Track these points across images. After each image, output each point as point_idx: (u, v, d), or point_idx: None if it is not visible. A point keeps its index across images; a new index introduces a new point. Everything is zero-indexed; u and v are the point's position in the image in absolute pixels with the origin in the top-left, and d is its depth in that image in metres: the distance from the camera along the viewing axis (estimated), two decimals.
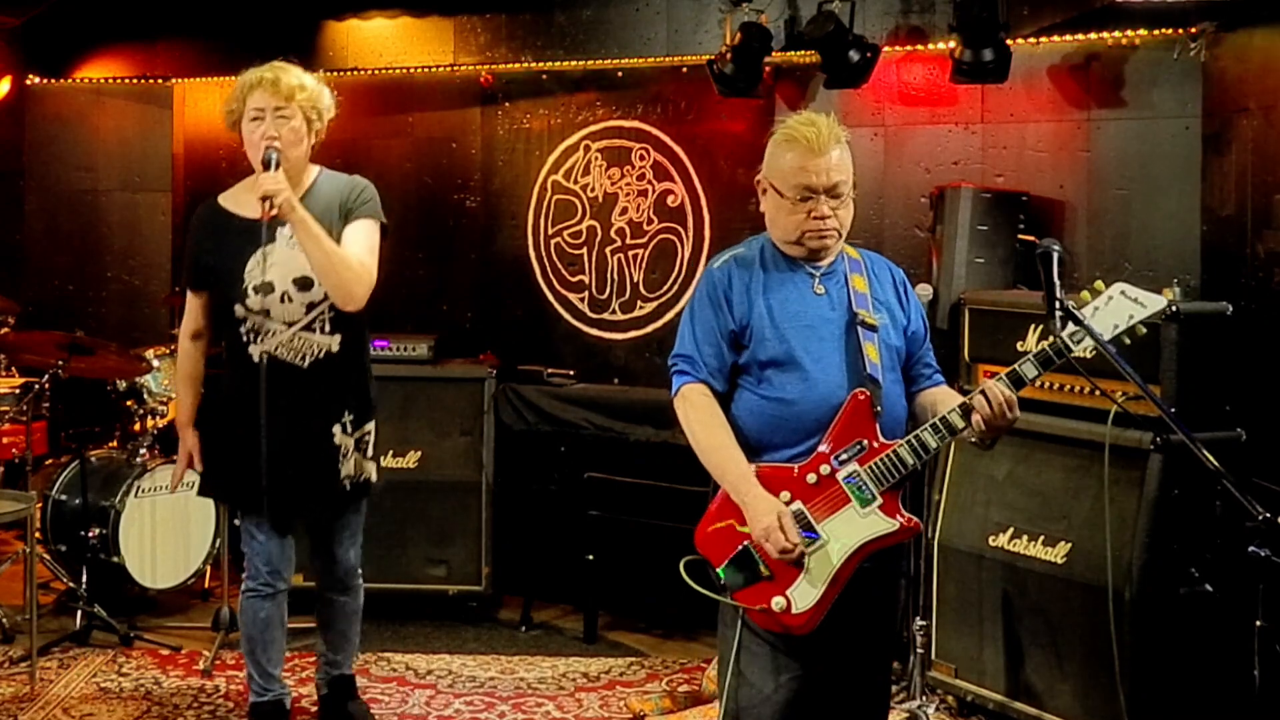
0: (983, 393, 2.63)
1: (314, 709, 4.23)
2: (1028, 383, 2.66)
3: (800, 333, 2.73)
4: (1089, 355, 2.70)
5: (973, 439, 2.70)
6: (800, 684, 2.72)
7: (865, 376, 2.70)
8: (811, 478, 2.67)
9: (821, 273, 2.81)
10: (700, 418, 2.76)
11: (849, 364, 2.72)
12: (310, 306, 3.61)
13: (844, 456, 2.66)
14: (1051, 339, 2.65)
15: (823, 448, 2.68)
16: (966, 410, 2.65)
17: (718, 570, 2.73)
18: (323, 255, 3.50)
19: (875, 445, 2.66)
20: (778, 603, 2.66)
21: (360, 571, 3.98)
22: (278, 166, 3.50)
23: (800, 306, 2.76)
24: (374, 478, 3.83)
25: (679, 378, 2.81)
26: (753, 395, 2.75)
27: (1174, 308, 3.71)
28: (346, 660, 4.05)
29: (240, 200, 3.70)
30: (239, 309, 3.61)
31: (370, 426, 3.80)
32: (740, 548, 2.70)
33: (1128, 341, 2.64)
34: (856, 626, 2.75)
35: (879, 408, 2.68)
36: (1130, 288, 2.64)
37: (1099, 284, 2.67)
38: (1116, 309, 2.63)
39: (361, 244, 3.61)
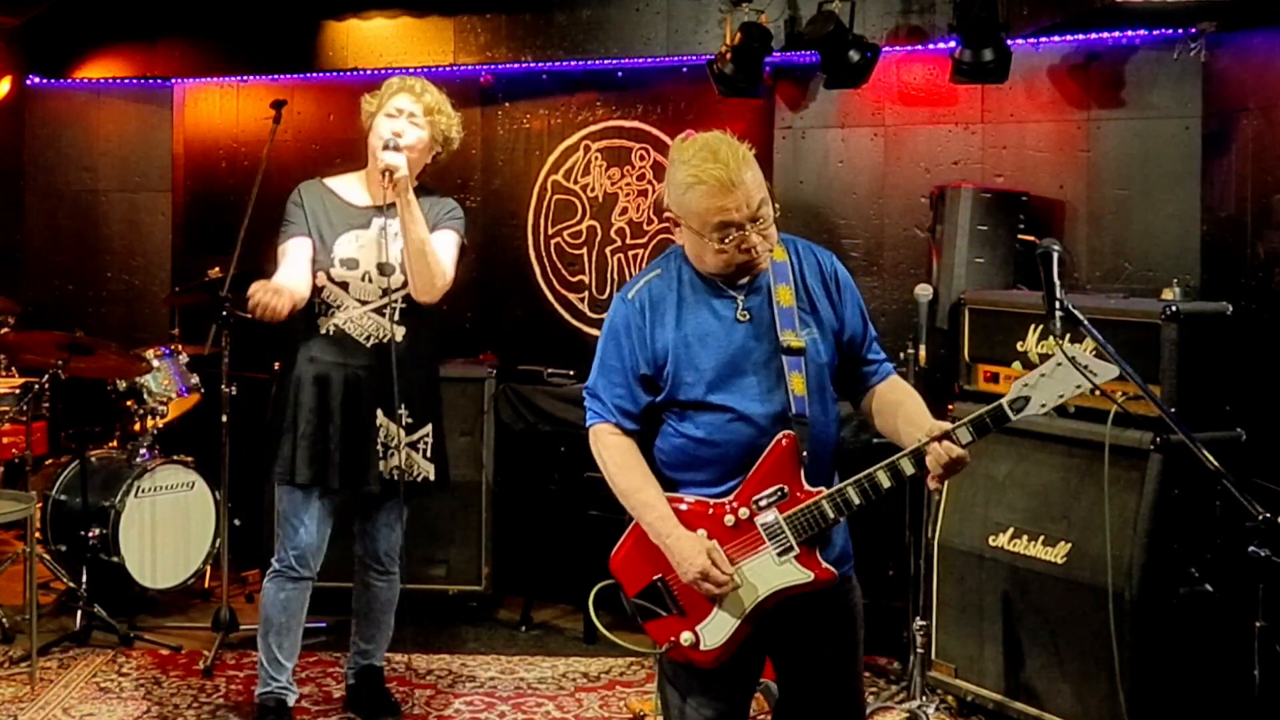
0: (924, 454, 2.50)
1: (314, 709, 4.24)
2: (962, 446, 2.51)
3: (722, 370, 2.59)
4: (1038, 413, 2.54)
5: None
6: (716, 712, 2.67)
7: (792, 417, 2.58)
8: (729, 520, 2.59)
9: (745, 293, 2.65)
10: (614, 459, 2.67)
11: (774, 400, 2.58)
12: (385, 292, 3.80)
13: (764, 502, 2.57)
14: (991, 407, 2.52)
15: (742, 491, 2.59)
16: (895, 471, 2.53)
17: (629, 600, 2.69)
18: (419, 240, 3.71)
19: (798, 493, 2.57)
20: (686, 638, 2.62)
21: (399, 562, 4.08)
22: (398, 150, 3.73)
23: (723, 340, 2.61)
24: (432, 477, 3.98)
25: (590, 416, 2.72)
26: (674, 433, 2.65)
27: (1174, 308, 3.71)
28: (377, 651, 4.15)
29: (346, 186, 3.93)
30: (321, 276, 3.81)
31: (428, 430, 3.97)
32: (652, 581, 2.66)
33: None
34: (804, 641, 2.68)
35: (804, 452, 2.57)
36: (1082, 355, 2.50)
37: (1051, 342, 2.54)
38: (1064, 375, 2.49)
39: (446, 249, 3.83)
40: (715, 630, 2.60)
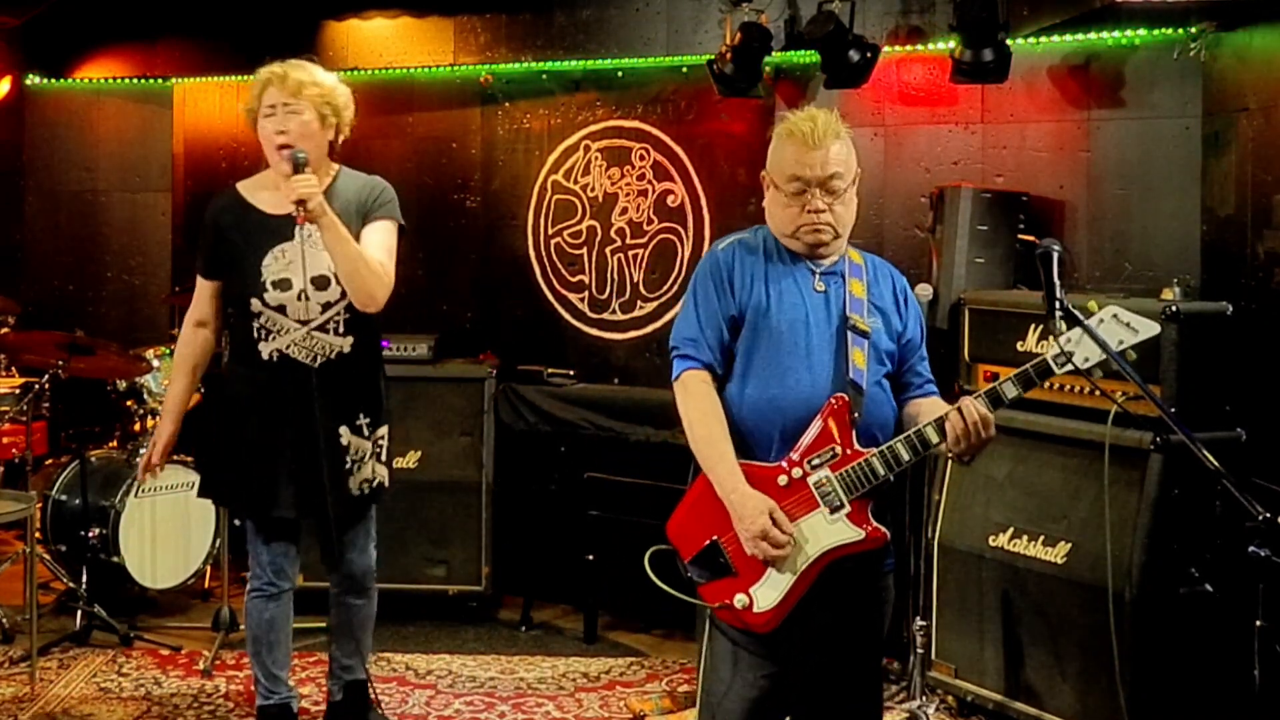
0: (959, 410, 2.61)
1: (314, 709, 4.23)
2: (1006, 402, 2.63)
3: (792, 328, 2.71)
4: (1081, 368, 2.62)
5: (950, 454, 2.66)
6: (767, 681, 2.71)
7: (848, 382, 2.68)
8: (783, 480, 2.65)
9: (823, 270, 2.79)
10: (699, 406, 2.72)
11: (835, 367, 2.70)
12: (326, 306, 3.61)
13: (816, 461, 2.65)
14: (1035, 361, 2.62)
15: (795, 451, 2.66)
16: (941, 426, 2.63)
17: (685, 563, 2.73)
18: (348, 259, 3.51)
19: (849, 452, 2.64)
20: (740, 600, 2.65)
21: (375, 574, 3.97)
22: (305, 167, 3.49)
23: (797, 300, 2.74)
24: (386, 482, 3.83)
25: (681, 362, 2.77)
26: (735, 388, 2.74)
27: (1174, 308, 3.71)
28: (360, 665, 4.00)
29: (259, 193, 3.70)
30: (255, 303, 3.60)
31: (385, 431, 3.82)
32: (708, 542, 2.70)
33: (1115, 368, 2.57)
34: (836, 624, 2.73)
35: (856, 414, 2.66)
36: (1124, 311, 2.60)
37: (1092, 304, 2.63)
38: (1108, 332, 2.58)
39: (381, 246, 3.63)
40: (769, 591, 2.64)
